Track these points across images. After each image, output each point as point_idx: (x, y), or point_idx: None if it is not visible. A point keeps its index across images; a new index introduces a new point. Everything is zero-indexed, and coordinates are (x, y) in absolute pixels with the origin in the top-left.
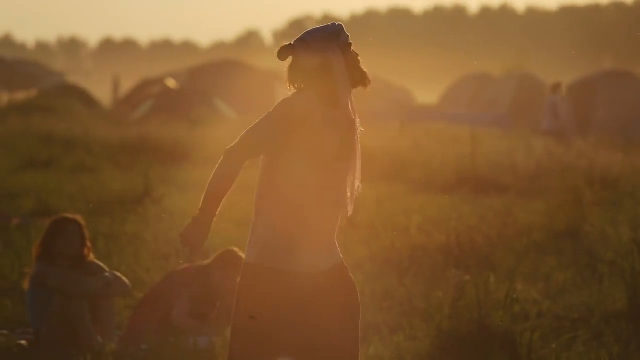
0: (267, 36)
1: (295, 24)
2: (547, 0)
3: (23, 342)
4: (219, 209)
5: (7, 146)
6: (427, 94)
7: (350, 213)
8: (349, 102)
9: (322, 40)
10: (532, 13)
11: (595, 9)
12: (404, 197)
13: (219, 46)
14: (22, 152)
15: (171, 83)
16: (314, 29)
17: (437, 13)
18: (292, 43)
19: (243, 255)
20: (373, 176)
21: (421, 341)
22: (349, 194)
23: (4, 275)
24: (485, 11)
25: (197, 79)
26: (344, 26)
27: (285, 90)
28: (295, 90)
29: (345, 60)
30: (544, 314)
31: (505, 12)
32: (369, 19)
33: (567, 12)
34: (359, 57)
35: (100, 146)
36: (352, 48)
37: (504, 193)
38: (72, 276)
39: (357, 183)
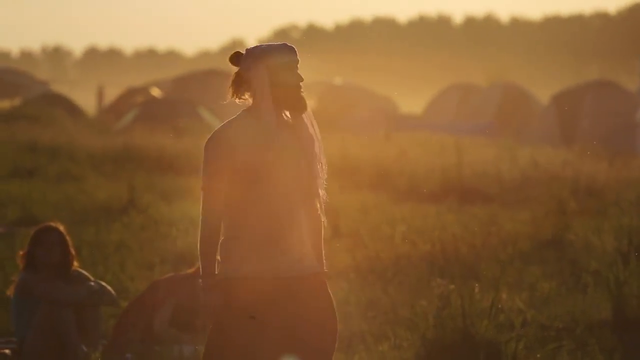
0: (252, 46)
1: (280, 33)
2: (531, 10)
3: (6, 351)
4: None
5: None
6: (412, 103)
7: (325, 222)
8: (283, 120)
9: (254, 57)
10: (516, 23)
11: (579, 19)
12: (389, 206)
13: (204, 55)
14: (6, 161)
15: (156, 92)
16: (260, 45)
17: (421, 23)
18: (243, 52)
19: None
20: (358, 185)
21: (406, 350)
22: (317, 204)
23: None
24: (470, 21)
25: (182, 88)
26: (288, 48)
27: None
28: (235, 99)
29: (271, 82)
30: (529, 323)
31: (490, 22)
32: (354, 28)
33: (551, 22)
34: (300, 83)
35: (85, 155)
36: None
37: (489, 202)
38: (57, 285)
39: (321, 192)
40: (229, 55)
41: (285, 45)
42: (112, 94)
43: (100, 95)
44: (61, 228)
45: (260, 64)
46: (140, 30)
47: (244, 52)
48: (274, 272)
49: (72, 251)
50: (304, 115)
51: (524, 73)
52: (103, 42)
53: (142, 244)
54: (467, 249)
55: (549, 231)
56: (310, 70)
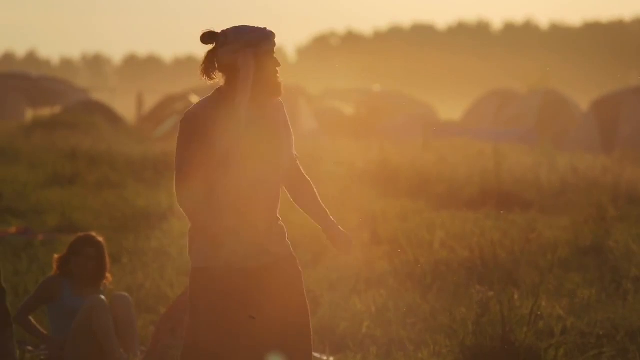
0: (291, 52)
1: (319, 39)
2: (571, 16)
3: (43, 358)
4: None
5: (32, 162)
6: (451, 110)
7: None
8: (258, 106)
9: (241, 42)
10: (556, 29)
11: (619, 24)
12: (428, 212)
13: None
14: (46, 168)
15: (195, 99)
16: (244, 27)
17: (460, 29)
18: (218, 32)
19: None
20: (396, 191)
21: (445, 357)
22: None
23: (28, 291)
24: (509, 27)
25: None
26: (273, 34)
27: (305, 102)
28: (206, 80)
29: (256, 68)
30: (569, 330)
31: (529, 27)
32: (393, 34)
33: (591, 28)
34: (277, 68)
35: (125, 162)
36: (274, 57)
37: (528, 209)
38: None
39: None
40: (201, 34)
41: (268, 30)
42: (151, 101)
43: (139, 102)
44: (101, 240)
45: (248, 51)
46: (180, 37)
47: (217, 31)
48: (242, 262)
49: (108, 265)
50: (277, 101)
51: (564, 79)
52: (142, 49)
53: (181, 250)
54: (506, 255)
55: (589, 238)
56: (348, 77)
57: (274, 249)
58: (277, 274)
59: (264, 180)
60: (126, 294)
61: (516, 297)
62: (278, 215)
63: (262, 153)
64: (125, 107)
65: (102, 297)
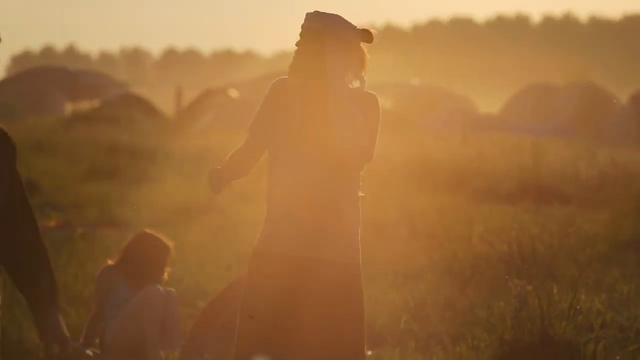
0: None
1: None
2: (610, 10)
3: (89, 352)
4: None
5: (71, 156)
6: (490, 104)
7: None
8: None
9: None
10: (596, 22)
11: None
12: (466, 206)
13: (282, 56)
14: (86, 163)
15: (233, 93)
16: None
17: (499, 22)
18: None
19: None
20: (435, 186)
21: (483, 352)
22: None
23: (67, 284)
24: (548, 20)
25: (260, 89)
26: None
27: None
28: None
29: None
30: (608, 324)
31: (569, 21)
32: (432, 28)
33: (631, 21)
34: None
35: (164, 156)
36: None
37: (567, 203)
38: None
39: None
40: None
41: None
42: (190, 95)
43: (178, 96)
44: (170, 247)
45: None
46: (218, 31)
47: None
48: (293, 250)
49: (166, 265)
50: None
51: (603, 72)
52: (181, 43)
53: (220, 244)
54: (545, 249)
55: (628, 232)
56: (387, 71)
57: (334, 244)
58: (332, 274)
59: (316, 167)
60: (172, 289)
61: (555, 291)
62: (352, 214)
63: (312, 136)
64: (164, 101)
65: (160, 288)
